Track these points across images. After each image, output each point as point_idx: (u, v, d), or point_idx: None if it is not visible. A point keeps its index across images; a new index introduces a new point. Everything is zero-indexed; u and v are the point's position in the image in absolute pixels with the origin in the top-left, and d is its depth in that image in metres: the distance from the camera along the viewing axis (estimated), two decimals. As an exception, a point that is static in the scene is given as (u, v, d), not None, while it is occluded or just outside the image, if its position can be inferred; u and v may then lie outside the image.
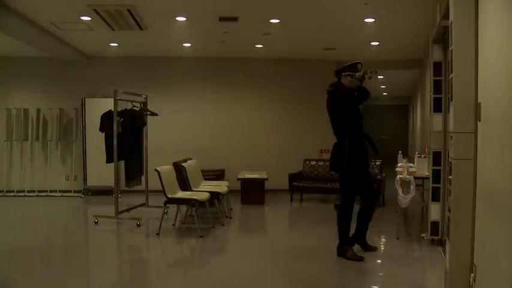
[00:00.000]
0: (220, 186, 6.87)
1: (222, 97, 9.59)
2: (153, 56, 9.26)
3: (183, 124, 9.46)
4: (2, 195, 9.04)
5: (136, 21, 6.35)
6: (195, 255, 5.38)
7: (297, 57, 9.30)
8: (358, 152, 4.60)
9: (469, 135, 3.17)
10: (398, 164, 6.09)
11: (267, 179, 8.08)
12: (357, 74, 4.57)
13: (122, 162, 6.85)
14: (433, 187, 4.94)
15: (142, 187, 7.32)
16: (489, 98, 2.74)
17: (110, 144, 6.53)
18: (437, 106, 4.89)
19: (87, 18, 6.30)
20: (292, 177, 8.55)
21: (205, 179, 7.39)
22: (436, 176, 4.86)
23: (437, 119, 4.93)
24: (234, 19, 6.42)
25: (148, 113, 7.30)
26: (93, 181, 9.05)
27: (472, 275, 3.02)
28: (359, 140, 4.64)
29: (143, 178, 7.31)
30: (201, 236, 5.71)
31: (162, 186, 5.73)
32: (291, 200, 8.53)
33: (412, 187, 5.14)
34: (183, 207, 6.54)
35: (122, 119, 6.67)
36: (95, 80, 9.20)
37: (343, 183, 4.71)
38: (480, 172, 2.98)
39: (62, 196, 9.04)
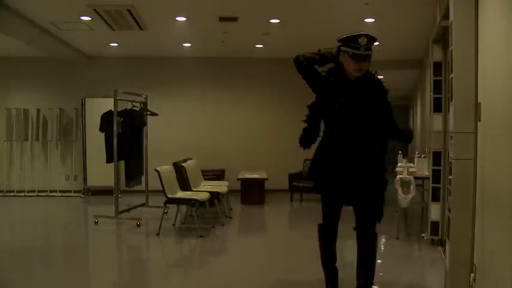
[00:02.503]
0: (220, 186, 6.87)
1: (222, 97, 9.59)
2: (153, 56, 9.26)
3: (183, 124, 9.46)
4: (2, 195, 9.04)
5: (136, 21, 6.35)
6: (195, 255, 5.38)
7: (297, 57, 9.28)
8: (324, 158, 3.21)
9: (469, 135, 3.17)
10: (398, 164, 6.09)
11: (267, 179, 8.08)
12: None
13: (122, 162, 6.85)
14: (433, 187, 4.94)
15: (142, 187, 7.32)
16: (489, 98, 2.75)
17: (110, 144, 6.54)
18: (437, 106, 4.90)
19: (87, 18, 6.30)
20: (292, 177, 8.56)
21: (205, 179, 7.39)
22: (436, 176, 4.86)
23: (437, 119, 4.93)
24: (234, 19, 6.42)
25: (148, 113, 7.30)
26: (93, 181, 9.05)
27: (472, 275, 3.02)
28: (333, 143, 3.16)
29: (143, 178, 7.31)
30: (201, 236, 5.71)
31: (162, 186, 5.73)
32: (291, 200, 8.53)
33: (412, 187, 5.14)
34: (183, 207, 6.54)
35: (122, 119, 6.67)
36: (95, 80, 9.20)
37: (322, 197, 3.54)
38: (480, 172, 2.98)
39: (62, 196, 9.04)
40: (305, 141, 3.32)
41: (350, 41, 2.99)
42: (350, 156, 3.08)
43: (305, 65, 3.15)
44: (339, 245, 3.47)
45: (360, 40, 2.97)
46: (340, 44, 3.05)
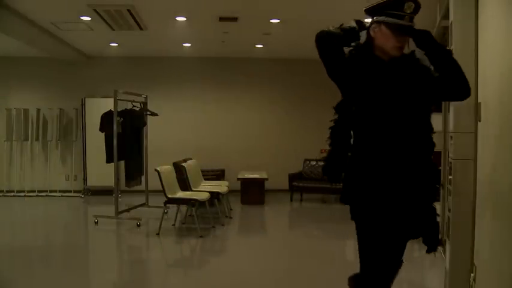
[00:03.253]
0: (220, 186, 6.87)
1: (222, 97, 9.60)
2: (153, 56, 9.26)
3: (183, 124, 9.47)
4: (2, 195, 9.03)
5: (136, 21, 6.35)
6: (195, 255, 5.38)
7: (297, 57, 9.29)
8: (370, 174, 2.21)
9: (469, 135, 3.17)
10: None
11: (267, 179, 8.08)
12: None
13: (122, 162, 6.85)
14: (433, 187, 4.93)
15: (142, 187, 7.32)
16: (489, 98, 2.75)
17: (110, 144, 6.54)
18: (437, 106, 4.89)
19: (87, 18, 6.30)
20: (292, 177, 8.56)
21: (205, 179, 7.39)
22: (436, 176, 4.85)
23: (437, 119, 4.92)
24: (234, 19, 6.42)
25: (148, 113, 7.30)
26: (93, 181, 9.04)
27: (472, 275, 3.02)
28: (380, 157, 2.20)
29: (143, 178, 7.31)
30: (201, 236, 5.71)
31: (162, 186, 5.73)
32: (291, 200, 8.53)
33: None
34: (183, 207, 6.55)
35: (121, 119, 6.68)
36: (95, 80, 9.20)
37: (357, 233, 2.33)
38: (480, 172, 2.98)
39: (62, 196, 9.04)
40: (332, 167, 2.37)
41: (391, 8, 2.20)
42: (401, 165, 2.17)
43: (331, 43, 2.27)
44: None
45: (406, 6, 2.21)
46: (371, 15, 2.27)
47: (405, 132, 2.18)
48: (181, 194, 6.07)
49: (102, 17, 6.15)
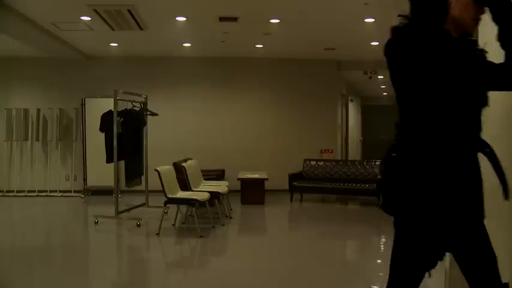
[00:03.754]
0: (220, 186, 6.87)
1: (222, 97, 9.60)
2: (153, 56, 9.26)
3: (183, 124, 9.47)
4: (2, 195, 9.04)
5: (136, 21, 6.36)
6: (195, 255, 5.38)
7: (297, 57, 9.30)
8: (436, 178, 1.74)
9: (469, 135, 3.16)
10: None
11: (267, 179, 8.08)
12: None
13: (122, 162, 6.85)
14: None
15: (142, 187, 7.32)
16: (489, 98, 2.74)
17: (110, 144, 6.54)
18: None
19: (87, 18, 6.30)
20: (292, 177, 8.55)
21: (205, 179, 7.39)
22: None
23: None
24: (234, 19, 6.43)
25: (148, 113, 7.31)
26: (93, 181, 9.05)
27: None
28: (450, 154, 1.78)
29: (143, 178, 7.31)
30: (201, 236, 5.71)
31: (162, 186, 5.73)
32: (291, 200, 8.53)
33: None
34: (183, 207, 6.54)
35: (121, 119, 6.68)
36: (95, 80, 9.20)
37: (394, 243, 1.87)
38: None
39: (62, 196, 9.05)
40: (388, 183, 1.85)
41: None
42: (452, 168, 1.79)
43: None
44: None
45: None
46: None
47: (462, 129, 1.80)
48: (181, 194, 6.07)
49: (102, 17, 6.15)
